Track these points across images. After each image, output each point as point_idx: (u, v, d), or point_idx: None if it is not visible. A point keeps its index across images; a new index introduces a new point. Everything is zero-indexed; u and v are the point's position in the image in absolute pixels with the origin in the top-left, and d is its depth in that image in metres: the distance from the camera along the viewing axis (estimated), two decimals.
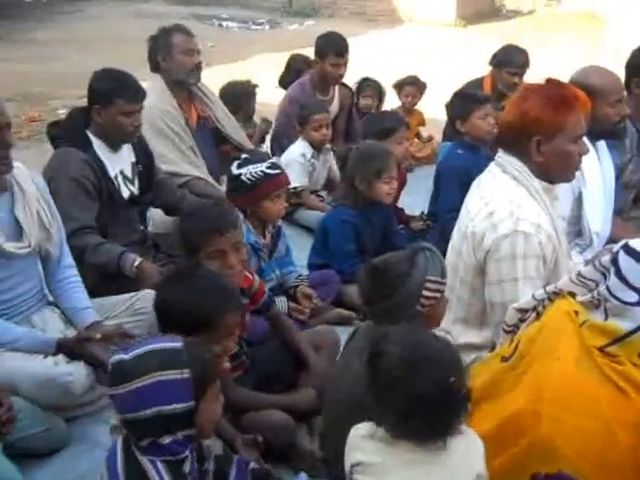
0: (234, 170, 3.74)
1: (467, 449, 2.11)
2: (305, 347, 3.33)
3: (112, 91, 3.76)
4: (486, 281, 3.02)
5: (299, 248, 4.51)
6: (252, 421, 2.98)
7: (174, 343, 2.18)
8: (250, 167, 3.70)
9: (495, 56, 5.82)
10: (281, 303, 3.74)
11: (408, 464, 2.08)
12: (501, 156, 3.11)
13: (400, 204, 5.17)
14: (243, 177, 3.69)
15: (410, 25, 13.92)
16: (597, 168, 3.92)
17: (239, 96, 5.45)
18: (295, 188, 5.08)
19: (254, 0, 15.04)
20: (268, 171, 3.70)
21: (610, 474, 2.12)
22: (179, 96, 4.75)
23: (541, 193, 3.02)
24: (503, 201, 3.00)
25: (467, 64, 9.35)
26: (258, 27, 13.74)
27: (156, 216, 4.49)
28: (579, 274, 2.41)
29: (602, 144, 4.03)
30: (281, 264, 3.97)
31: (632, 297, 2.17)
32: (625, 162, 4.50)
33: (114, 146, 3.89)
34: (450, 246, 3.29)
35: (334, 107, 5.77)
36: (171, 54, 4.69)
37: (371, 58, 10.46)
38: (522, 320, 2.59)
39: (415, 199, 5.37)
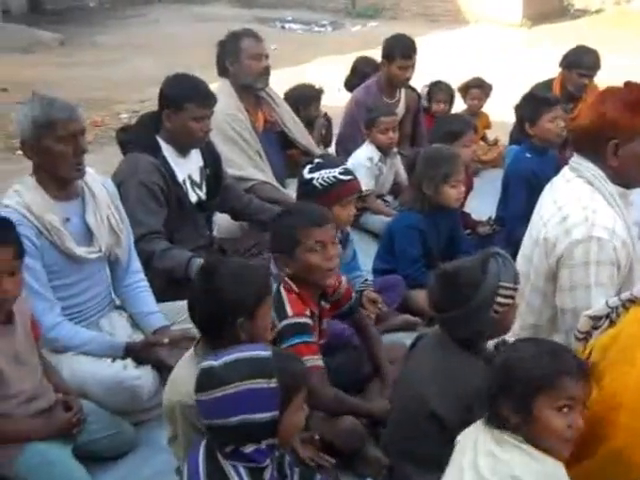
0: (306, 174, 3.71)
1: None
2: (383, 356, 3.34)
3: (183, 96, 3.79)
4: (558, 287, 2.98)
5: (364, 253, 4.48)
6: (322, 424, 2.98)
7: (263, 352, 2.19)
8: (323, 172, 3.67)
9: (565, 57, 5.71)
10: None
11: None
12: (576, 160, 3.07)
13: (466, 208, 5.11)
14: (315, 182, 3.66)
15: (475, 25, 13.76)
16: None
17: (304, 100, 5.42)
18: (361, 192, 5.04)
19: (317, 1, 15.04)
20: (341, 177, 3.67)
21: None
22: (246, 100, 4.77)
23: (617, 198, 2.97)
24: (577, 206, 2.96)
25: (533, 65, 9.22)
26: (321, 29, 13.74)
27: (221, 221, 4.52)
28: None
29: None
30: (348, 269, 3.94)
31: None
32: None
33: (183, 151, 3.93)
34: (521, 252, 3.25)
35: (400, 110, 5.72)
36: (239, 59, 4.71)
37: (435, 59, 10.36)
38: (595, 327, 2.54)
39: (481, 203, 5.29)
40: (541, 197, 3.24)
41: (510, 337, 3.19)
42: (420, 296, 3.75)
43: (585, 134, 3.02)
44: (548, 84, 5.84)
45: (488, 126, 6.63)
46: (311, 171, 3.69)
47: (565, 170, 3.14)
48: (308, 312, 3.00)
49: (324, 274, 3.04)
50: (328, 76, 7.52)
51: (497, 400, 2.12)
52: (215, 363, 2.17)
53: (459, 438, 2.25)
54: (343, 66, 6.70)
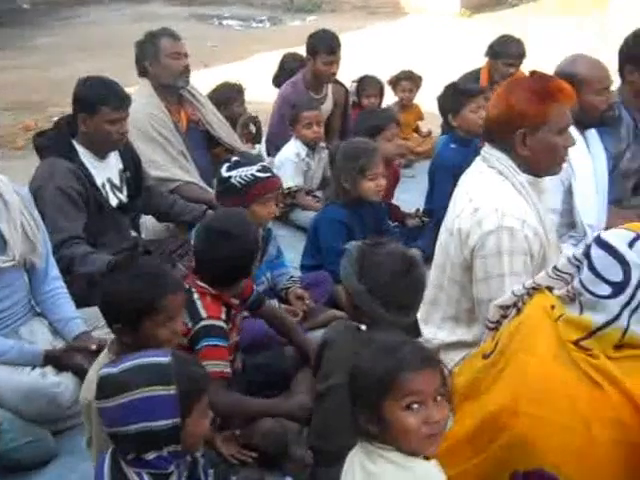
0: (224, 173, 3.70)
1: None
2: (305, 339, 3.37)
3: (97, 99, 3.75)
4: (473, 278, 3.00)
5: (294, 249, 4.48)
6: (243, 425, 2.98)
7: (163, 358, 2.16)
8: (240, 170, 3.66)
9: (491, 47, 5.76)
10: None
11: None
12: (486, 150, 3.10)
13: (397, 201, 5.13)
14: (233, 180, 3.65)
15: (414, 17, 13.80)
16: (587, 158, 3.87)
17: (225, 100, 5.39)
18: (290, 188, 5.05)
19: None
20: (258, 174, 3.65)
21: (589, 470, 2.09)
22: (168, 100, 4.74)
23: (527, 187, 2.99)
24: (488, 197, 2.98)
25: (471, 55, 9.26)
26: (259, 25, 13.66)
27: (148, 223, 4.49)
28: (555, 268, 2.39)
29: (593, 133, 3.99)
30: (272, 267, 3.94)
31: (605, 290, 2.14)
32: (621, 151, 4.45)
33: (100, 154, 3.88)
34: (438, 244, 3.27)
35: (328, 105, 5.74)
36: (158, 58, 4.67)
37: (374, 52, 10.40)
38: (504, 316, 2.56)
39: (415, 195, 5.31)
40: (456, 188, 3.26)
41: (431, 330, 3.23)
42: None
43: (494, 124, 3.05)
44: (475, 74, 5.89)
45: (420, 118, 6.65)
46: (229, 169, 3.67)
47: (477, 161, 3.16)
48: (224, 314, 2.99)
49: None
50: (266, 72, 7.48)
51: (354, 410, 2.03)
52: (114, 370, 2.14)
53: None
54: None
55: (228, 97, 5.46)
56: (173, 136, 4.67)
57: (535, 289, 2.45)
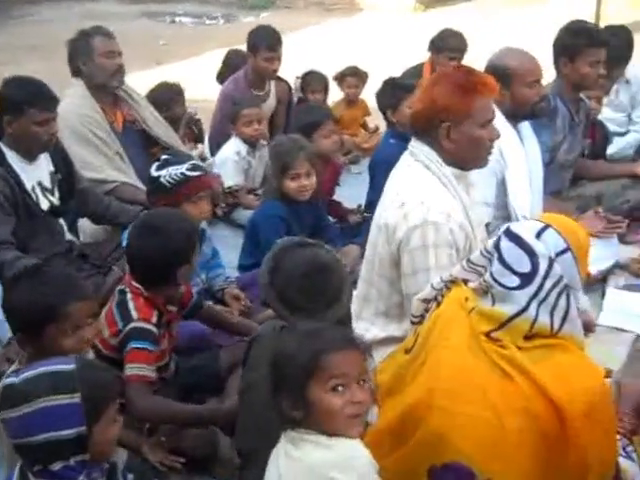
0: (153, 172, 3.65)
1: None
2: (249, 323, 3.45)
3: (23, 100, 3.67)
4: (401, 273, 2.99)
5: (237, 249, 4.39)
6: (170, 432, 2.94)
7: (66, 365, 2.10)
8: (170, 169, 3.61)
9: (432, 42, 5.78)
10: None
11: None
12: (413, 144, 3.11)
13: (342, 197, 5.11)
14: (162, 179, 3.60)
15: (368, 12, 13.81)
16: (520, 150, 3.88)
17: (164, 101, 5.34)
18: (230, 187, 5.00)
19: None
20: (188, 173, 3.61)
21: (500, 459, 2.10)
22: (102, 100, 4.65)
23: (452, 181, 3.00)
24: (414, 191, 2.98)
25: (421, 49, 9.27)
26: (212, 21, 13.56)
27: (86, 225, 4.41)
28: (469, 260, 2.40)
29: (526, 125, 4.00)
30: (207, 268, 3.90)
31: (513, 282, 2.15)
32: (558, 143, 4.47)
33: (29, 157, 3.80)
34: (368, 239, 3.25)
35: (271, 102, 5.70)
36: (92, 58, 4.57)
37: (328, 48, 10.37)
38: (427, 310, 2.56)
39: (360, 191, 5.25)
40: (386, 183, 3.25)
41: (364, 326, 3.21)
42: None
43: (419, 118, 3.07)
44: (419, 69, 5.89)
45: (367, 113, 6.62)
46: (158, 169, 3.63)
47: (405, 155, 3.16)
48: (155, 318, 2.95)
49: None
50: (217, 70, 7.41)
51: (276, 400, 2.05)
52: (16, 380, 2.08)
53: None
54: None
55: (168, 98, 5.40)
56: (108, 136, 4.59)
57: (453, 282, 2.45)
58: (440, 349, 2.27)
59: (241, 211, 5.02)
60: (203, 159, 5.45)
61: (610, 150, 5.49)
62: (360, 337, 3.03)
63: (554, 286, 2.13)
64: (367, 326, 3.18)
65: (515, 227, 2.22)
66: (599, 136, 5.25)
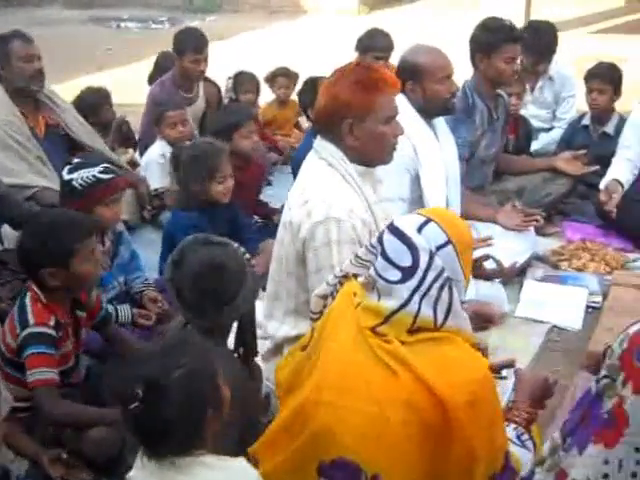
0: (65, 175, 3.61)
1: None
2: None
3: None
4: (307, 270, 2.99)
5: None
6: (73, 437, 2.90)
7: None
8: (82, 171, 3.57)
9: (360, 41, 5.77)
10: (124, 311, 3.62)
11: None
12: (317, 142, 3.09)
13: (273, 197, 5.12)
14: (74, 182, 3.56)
15: (313, 15, 13.85)
16: (434, 146, 3.91)
17: (90, 107, 5.30)
18: (156, 190, 4.98)
19: None
20: (100, 175, 3.57)
21: (385, 452, 2.10)
22: (23, 105, 4.59)
23: (355, 178, 3.00)
24: (317, 188, 2.98)
25: None
26: (158, 26, 13.48)
27: (9, 232, 4.35)
28: (357, 256, 2.40)
29: (440, 121, 4.03)
30: (126, 271, 3.86)
31: (395, 275, 2.15)
32: (477, 138, 4.52)
33: None
34: (276, 238, 3.25)
35: (200, 104, 5.69)
36: (10, 62, 4.53)
37: (273, 51, 10.36)
38: (325, 307, 2.56)
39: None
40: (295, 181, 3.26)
41: (274, 325, 3.21)
42: None
43: (322, 115, 3.06)
44: None
45: (299, 114, 6.65)
46: (70, 172, 3.59)
47: (310, 153, 3.16)
48: (53, 322, 2.92)
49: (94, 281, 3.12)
50: None
51: None
52: None
53: None
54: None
55: (95, 103, 5.36)
56: (29, 141, 4.54)
57: (346, 277, 2.46)
58: (329, 344, 2.28)
59: (167, 214, 4.97)
60: (133, 164, 5.43)
61: (535, 146, 5.57)
62: (272, 337, 3.08)
63: (435, 279, 2.13)
64: (277, 325, 3.18)
65: (398, 221, 2.22)
66: (522, 132, 5.32)
